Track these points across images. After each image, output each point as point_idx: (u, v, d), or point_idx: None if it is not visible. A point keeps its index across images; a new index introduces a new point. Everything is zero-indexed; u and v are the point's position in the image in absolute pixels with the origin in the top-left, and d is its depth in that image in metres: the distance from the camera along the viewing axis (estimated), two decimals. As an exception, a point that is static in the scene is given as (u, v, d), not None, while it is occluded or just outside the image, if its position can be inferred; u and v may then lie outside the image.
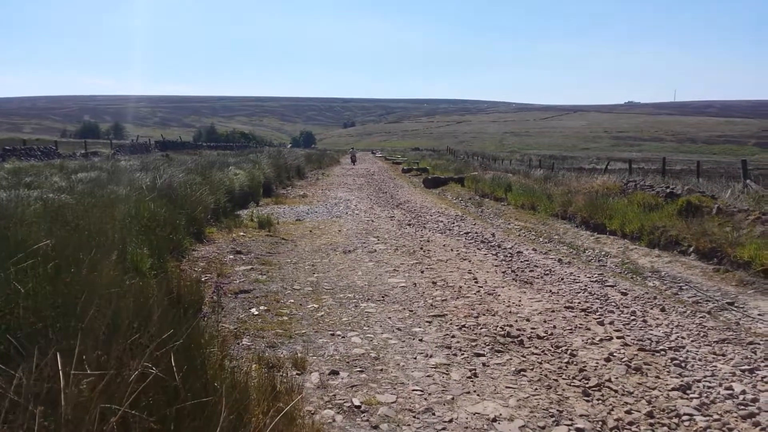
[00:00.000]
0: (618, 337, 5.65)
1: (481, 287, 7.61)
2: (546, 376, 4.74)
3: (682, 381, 4.63)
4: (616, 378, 4.69)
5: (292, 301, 6.84)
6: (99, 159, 27.24)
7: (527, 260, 9.51)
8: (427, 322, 6.10)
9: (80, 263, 4.30)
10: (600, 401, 4.28)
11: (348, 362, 4.94)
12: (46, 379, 2.33)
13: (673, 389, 4.48)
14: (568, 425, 3.90)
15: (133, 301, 3.57)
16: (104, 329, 2.87)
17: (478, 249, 10.52)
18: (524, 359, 5.10)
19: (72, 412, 2.17)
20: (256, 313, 6.30)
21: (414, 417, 3.98)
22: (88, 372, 2.34)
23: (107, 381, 2.33)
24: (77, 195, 9.43)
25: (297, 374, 4.59)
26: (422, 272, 8.50)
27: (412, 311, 6.49)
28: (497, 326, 5.96)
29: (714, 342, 5.61)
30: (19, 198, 8.48)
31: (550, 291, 7.48)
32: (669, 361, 5.07)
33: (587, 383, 4.58)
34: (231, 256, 9.22)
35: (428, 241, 11.24)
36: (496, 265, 9.07)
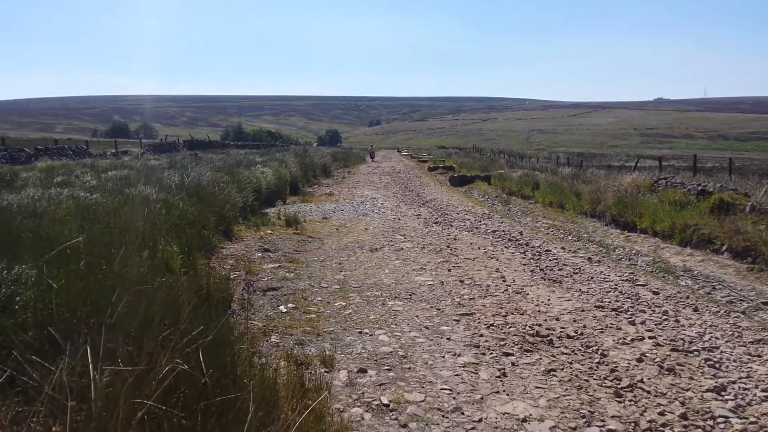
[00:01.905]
0: (650, 337, 5.55)
1: (509, 286, 7.54)
2: (576, 376, 4.67)
3: (716, 382, 4.53)
4: (649, 379, 4.61)
5: (320, 298, 6.85)
6: (129, 158, 27.63)
7: (556, 259, 9.41)
8: (454, 320, 6.06)
9: (112, 260, 4.36)
10: (632, 402, 4.21)
11: (376, 360, 4.93)
12: (78, 373, 2.35)
13: (707, 390, 4.39)
14: (599, 426, 3.84)
15: (164, 298, 3.59)
16: (136, 325, 2.90)
17: (505, 247, 10.44)
18: (554, 359, 5.04)
19: (102, 406, 2.19)
20: (285, 310, 6.32)
21: (443, 416, 3.95)
22: (119, 367, 2.35)
23: (137, 376, 2.35)
24: (108, 193, 9.57)
25: (325, 372, 4.59)
26: (449, 270, 8.46)
27: (439, 309, 6.45)
28: (526, 325, 5.89)
29: (749, 342, 5.48)
30: (51, 197, 8.63)
31: (580, 290, 7.38)
32: (703, 361, 4.97)
33: (619, 384, 4.51)
34: (259, 254, 9.28)
35: (455, 240, 11.18)
36: (524, 264, 8.98)
